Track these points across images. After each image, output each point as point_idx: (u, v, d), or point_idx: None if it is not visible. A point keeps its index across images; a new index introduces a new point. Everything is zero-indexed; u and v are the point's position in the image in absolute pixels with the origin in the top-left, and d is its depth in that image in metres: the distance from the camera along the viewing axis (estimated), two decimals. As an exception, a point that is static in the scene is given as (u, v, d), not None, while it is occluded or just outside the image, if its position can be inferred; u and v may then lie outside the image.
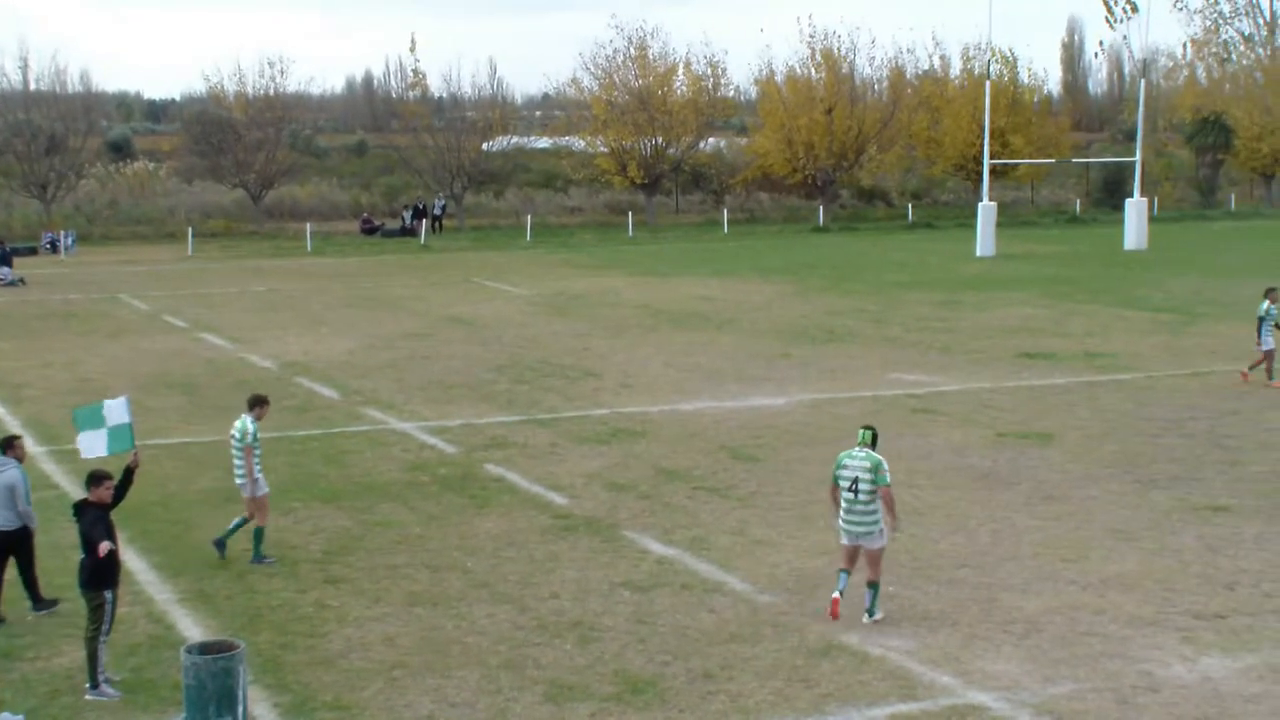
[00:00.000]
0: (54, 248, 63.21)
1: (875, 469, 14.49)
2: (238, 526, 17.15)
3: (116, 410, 14.60)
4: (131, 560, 16.49)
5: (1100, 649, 13.84)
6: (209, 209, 75.33)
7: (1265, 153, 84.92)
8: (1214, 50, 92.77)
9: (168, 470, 21.56)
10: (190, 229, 66.61)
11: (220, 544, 17.04)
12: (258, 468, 16.99)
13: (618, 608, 15.14)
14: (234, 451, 17.17)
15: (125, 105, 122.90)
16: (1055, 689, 12.83)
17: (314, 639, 14.29)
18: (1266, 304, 27.44)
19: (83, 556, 13.16)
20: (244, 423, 17.16)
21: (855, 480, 14.53)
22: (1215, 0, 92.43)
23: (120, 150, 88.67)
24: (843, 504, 14.70)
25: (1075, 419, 24.79)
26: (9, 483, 15.04)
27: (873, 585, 14.67)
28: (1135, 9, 79.11)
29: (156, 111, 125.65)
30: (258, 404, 17.53)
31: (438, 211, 74.08)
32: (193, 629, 14.55)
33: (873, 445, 14.73)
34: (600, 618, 14.82)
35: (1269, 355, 27.44)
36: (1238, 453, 22.01)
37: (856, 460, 14.60)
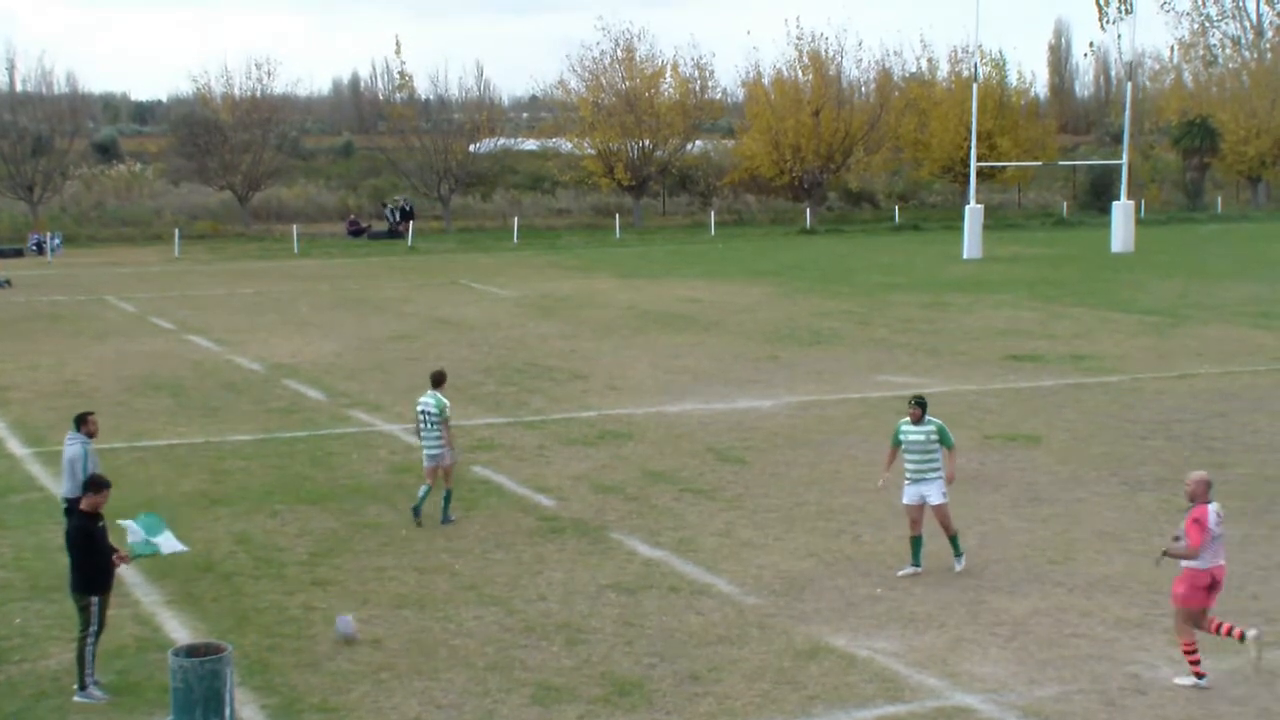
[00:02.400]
0: (40, 249, 63.12)
1: (941, 433, 16.25)
2: (427, 494, 18.68)
3: (167, 542, 14.39)
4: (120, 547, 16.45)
5: (1087, 651, 13.87)
6: (195, 211, 75.28)
7: (1251, 155, 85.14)
8: (1201, 53, 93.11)
9: (154, 472, 21.53)
10: (177, 231, 66.53)
11: (449, 520, 18.74)
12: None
13: (605, 610, 15.15)
14: (427, 425, 18.72)
15: (112, 107, 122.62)
16: (1042, 691, 12.86)
17: (301, 641, 14.28)
18: None
19: (70, 560, 13.11)
20: (438, 398, 18.74)
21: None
22: (1203, 3, 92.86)
23: (107, 152, 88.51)
24: (909, 467, 16.26)
25: (1062, 421, 24.84)
26: (71, 456, 15.74)
27: (952, 538, 16.38)
28: (1130, 8, 79.12)
29: (143, 113, 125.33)
30: (443, 380, 19.26)
31: (399, 216, 73.47)
32: (180, 631, 14.53)
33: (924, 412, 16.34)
34: (587, 619, 14.83)
35: None
36: (1223, 455, 22.07)
37: (920, 428, 16.25)
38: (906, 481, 16.39)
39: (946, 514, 16.36)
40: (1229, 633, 13.10)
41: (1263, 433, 23.72)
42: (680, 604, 15.32)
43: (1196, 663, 12.98)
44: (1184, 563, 13.08)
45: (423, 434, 18.88)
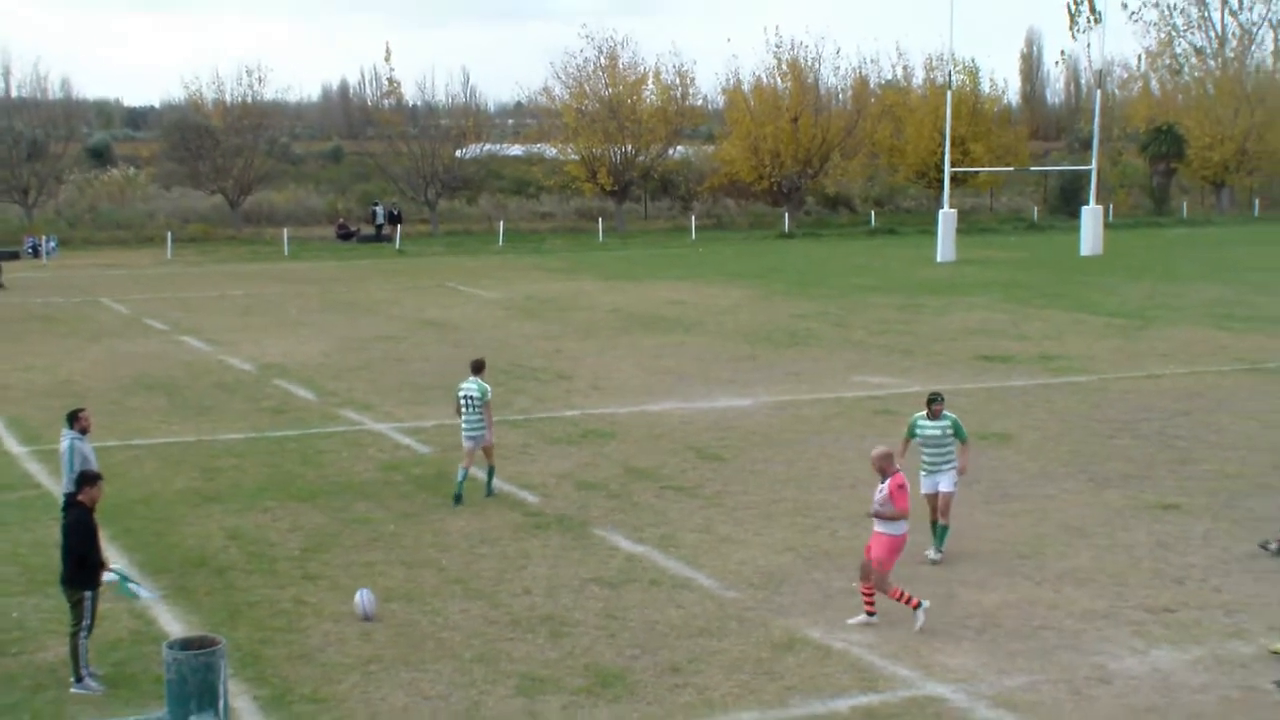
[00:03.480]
0: (35, 252, 62.93)
1: (956, 427, 16.72)
2: (465, 478, 19.49)
3: (141, 590, 14.43)
4: (113, 558, 16.43)
5: (1055, 642, 13.96)
6: (187, 214, 75.06)
7: (1216, 162, 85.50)
8: (1167, 62, 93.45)
9: (148, 470, 21.52)
10: (169, 234, 66.39)
11: (491, 493, 19.77)
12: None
13: (588, 603, 15.19)
14: (469, 408, 19.55)
15: (105, 112, 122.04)
16: (1011, 681, 12.95)
17: (292, 634, 14.31)
18: None
19: (63, 554, 13.14)
20: (479, 384, 19.69)
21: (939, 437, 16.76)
22: (1170, 13, 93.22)
23: (100, 156, 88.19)
24: (925, 459, 16.72)
25: (1032, 420, 24.96)
26: (62, 451, 15.69)
27: (944, 528, 16.69)
28: (1099, 18, 79.34)
29: (136, 118, 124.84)
30: (483, 367, 20.27)
31: (382, 220, 73.58)
32: (174, 625, 14.55)
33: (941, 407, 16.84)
34: (571, 613, 14.87)
35: None
36: (1187, 453, 22.20)
37: (937, 424, 16.70)
38: (923, 473, 16.79)
39: (950, 503, 16.76)
40: (910, 600, 14.27)
41: (1225, 431, 23.85)
42: (661, 597, 15.38)
43: (872, 600, 14.31)
44: (883, 526, 14.18)
45: (464, 417, 19.67)
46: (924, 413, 16.90)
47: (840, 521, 18.29)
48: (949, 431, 16.72)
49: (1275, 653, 13.47)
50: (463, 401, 19.73)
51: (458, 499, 19.40)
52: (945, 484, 16.70)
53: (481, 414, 19.60)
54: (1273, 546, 16.73)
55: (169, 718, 3.42)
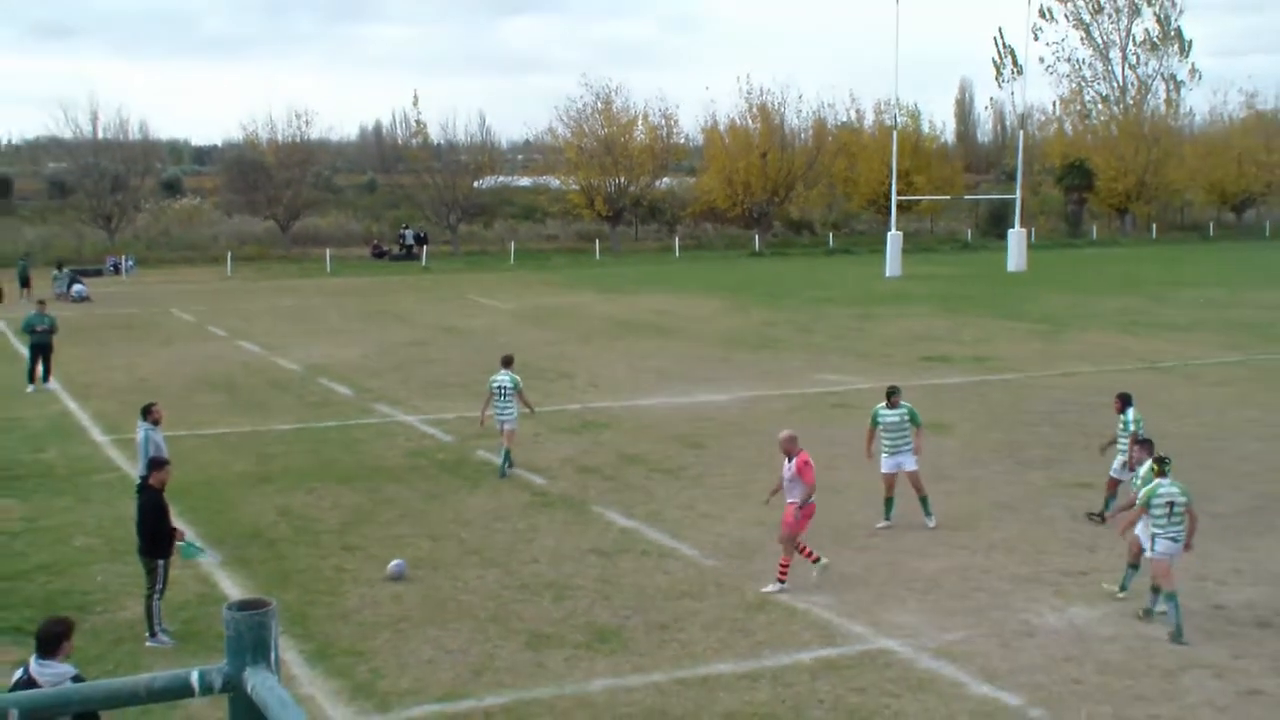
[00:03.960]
0: (116, 270, 62.84)
1: (911, 414, 16.79)
2: (507, 454, 19.78)
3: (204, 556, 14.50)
4: (182, 528, 16.38)
5: (987, 601, 13.93)
6: (245, 237, 74.77)
7: (1120, 191, 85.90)
8: (1078, 108, 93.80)
9: (211, 457, 21.43)
10: (229, 254, 66.16)
11: (503, 471, 19.71)
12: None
13: (587, 570, 15.15)
14: (501, 397, 19.70)
15: (176, 150, 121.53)
16: (949, 636, 12.92)
17: (333, 597, 14.25)
18: None
19: (139, 528, 13.10)
20: (511, 376, 19.89)
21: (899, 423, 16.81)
22: (1079, 67, 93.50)
23: (172, 188, 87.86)
24: (885, 442, 16.70)
25: (967, 412, 24.93)
26: (139, 441, 15.74)
27: (924, 498, 16.80)
28: (1020, 70, 79.48)
29: (202, 155, 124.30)
30: (512, 361, 20.47)
31: (410, 241, 73.40)
32: (232, 589, 14.50)
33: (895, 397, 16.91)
34: (572, 578, 14.82)
35: None
36: (1099, 439, 22.09)
37: (895, 411, 16.76)
38: (884, 455, 16.89)
39: (919, 478, 16.87)
40: (812, 556, 14.47)
41: (1132, 421, 23.80)
42: (650, 565, 15.34)
43: (786, 573, 14.26)
44: (795, 497, 14.24)
45: (497, 405, 19.75)
46: (884, 403, 16.97)
47: (803, 499, 18.21)
48: (906, 418, 16.83)
49: (1116, 597, 13.79)
50: (496, 390, 19.85)
51: (503, 473, 19.67)
52: (909, 464, 16.80)
53: (513, 401, 19.74)
54: (1096, 517, 16.96)
55: (229, 667, 3.37)
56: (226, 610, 3.50)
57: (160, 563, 12.94)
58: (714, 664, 12.22)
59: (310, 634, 13.06)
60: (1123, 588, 13.99)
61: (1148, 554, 13.33)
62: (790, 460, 14.37)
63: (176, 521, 13.59)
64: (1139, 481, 13.75)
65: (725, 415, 24.85)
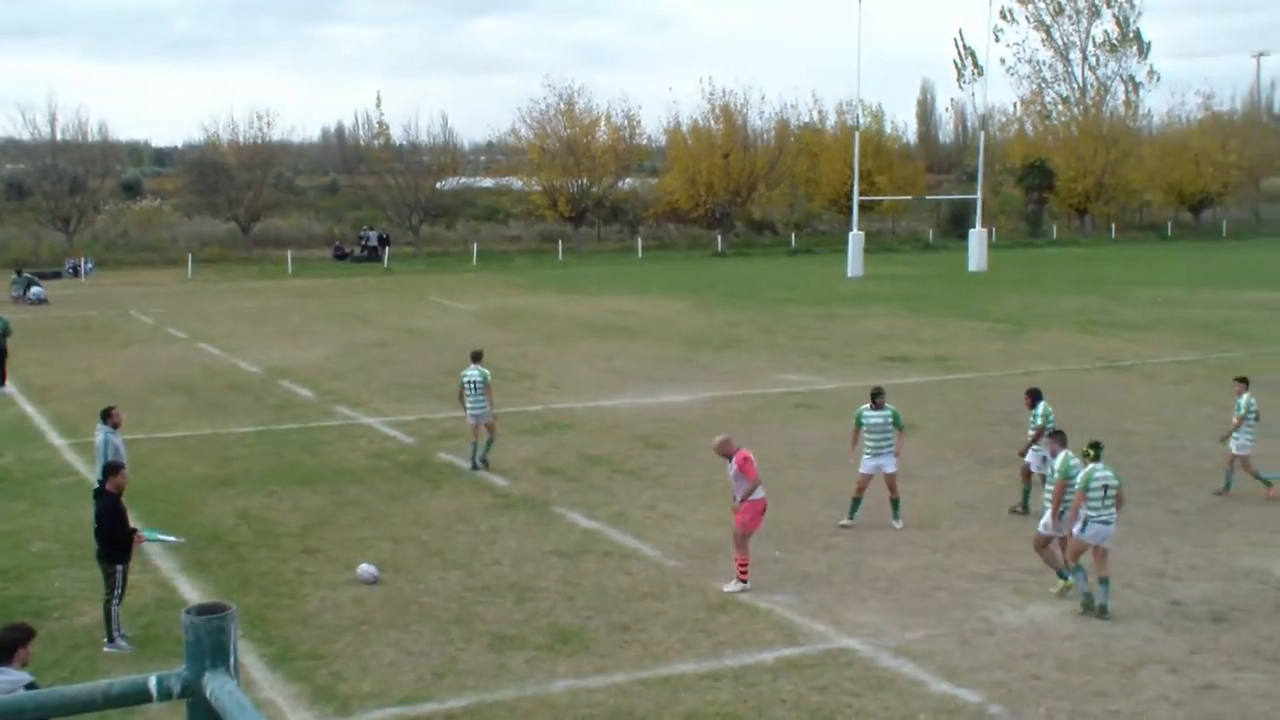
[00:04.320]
0: (75, 272, 62.24)
1: (895, 417, 16.82)
2: (489, 445, 20.19)
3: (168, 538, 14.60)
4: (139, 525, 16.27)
5: (948, 600, 14.02)
6: (206, 239, 74.22)
7: (1079, 192, 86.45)
8: (1039, 109, 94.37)
9: (171, 460, 21.29)
10: (190, 256, 65.67)
11: (485, 461, 20.10)
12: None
13: (549, 571, 15.14)
14: (472, 392, 20.08)
15: (136, 151, 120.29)
16: (910, 634, 12.99)
17: (294, 600, 14.18)
18: None
19: (96, 533, 13.00)
20: (480, 371, 20.26)
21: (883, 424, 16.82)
22: (1040, 68, 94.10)
23: (132, 189, 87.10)
24: (868, 443, 16.66)
25: (928, 411, 25.04)
26: (97, 444, 15.61)
27: (895, 500, 16.77)
28: (981, 72, 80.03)
29: (162, 157, 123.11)
30: (481, 356, 20.86)
31: (372, 242, 73.04)
32: (192, 593, 14.41)
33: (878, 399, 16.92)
34: (535, 580, 14.81)
35: None
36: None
37: (880, 413, 16.77)
38: (865, 455, 16.88)
39: (896, 480, 16.89)
40: (743, 571, 14.30)
41: (1085, 419, 23.94)
42: (613, 566, 15.35)
43: (746, 572, 14.25)
44: (741, 496, 14.23)
45: (468, 400, 20.10)
46: (869, 405, 17.02)
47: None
48: (889, 420, 16.84)
49: (1060, 594, 13.96)
50: (467, 386, 20.11)
51: (474, 467, 20.00)
52: (889, 465, 16.82)
53: (484, 395, 20.06)
54: (1019, 509, 17.31)
55: (187, 672, 3.35)
56: (185, 615, 3.48)
57: (119, 568, 12.86)
58: (676, 664, 12.24)
59: (271, 637, 12.99)
60: (1063, 576, 14.06)
61: (1076, 536, 13.54)
62: (730, 460, 14.38)
63: (136, 523, 13.51)
64: (1054, 473, 14.10)
65: (688, 416, 24.87)
